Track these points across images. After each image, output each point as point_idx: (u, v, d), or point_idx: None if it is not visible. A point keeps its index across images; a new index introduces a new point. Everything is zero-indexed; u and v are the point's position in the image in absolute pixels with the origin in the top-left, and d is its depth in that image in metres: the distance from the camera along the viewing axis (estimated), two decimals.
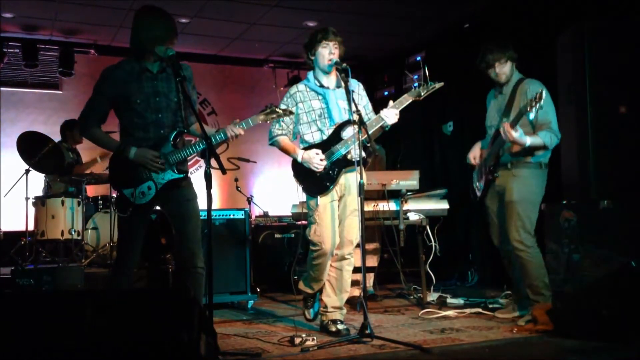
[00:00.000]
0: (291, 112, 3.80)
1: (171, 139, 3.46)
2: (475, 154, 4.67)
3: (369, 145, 3.87)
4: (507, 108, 4.38)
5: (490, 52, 4.42)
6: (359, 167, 3.76)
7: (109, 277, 5.05)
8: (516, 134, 4.06)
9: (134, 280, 3.53)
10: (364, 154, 3.88)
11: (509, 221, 4.32)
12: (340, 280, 4.09)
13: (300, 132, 4.12)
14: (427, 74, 4.05)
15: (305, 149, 4.05)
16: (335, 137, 4.02)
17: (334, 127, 4.03)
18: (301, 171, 4.06)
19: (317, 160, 3.95)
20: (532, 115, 3.99)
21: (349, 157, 4.01)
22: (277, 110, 3.59)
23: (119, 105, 3.47)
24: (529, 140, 4.12)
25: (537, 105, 3.90)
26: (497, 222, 4.54)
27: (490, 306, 4.80)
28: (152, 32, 3.36)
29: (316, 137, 4.07)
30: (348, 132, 4.01)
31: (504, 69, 4.42)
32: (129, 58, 3.48)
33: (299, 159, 4.01)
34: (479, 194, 4.64)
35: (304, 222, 4.75)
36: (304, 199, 4.14)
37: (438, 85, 4.05)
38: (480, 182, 4.60)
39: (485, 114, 4.70)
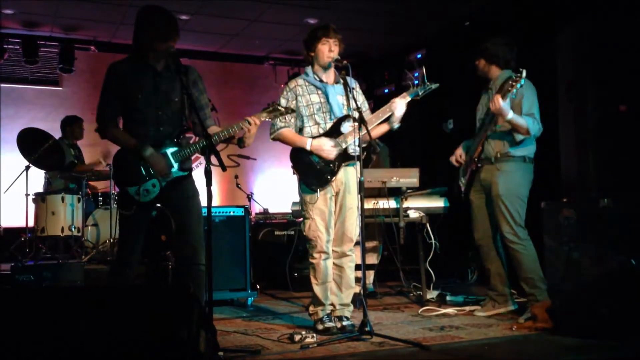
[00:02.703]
0: (293, 110, 3.84)
1: (175, 137, 3.46)
2: (460, 153, 4.70)
3: (373, 141, 3.91)
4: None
5: (487, 46, 4.52)
6: (359, 164, 3.78)
7: (109, 274, 5.06)
8: (503, 103, 4.12)
9: (133, 276, 3.53)
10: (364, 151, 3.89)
11: (498, 216, 4.35)
12: (342, 277, 4.10)
13: (298, 126, 4.12)
14: (425, 74, 4.10)
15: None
16: (335, 131, 4.03)
17: (334, 121, 4.04)
18: (301, 162, 4.05)
19: (328, 147, 3.96)
20: (513, 94, 4.10)
21: (349, 151, 4.03)
22: (280, 107, 3.60)
23: (121, 100, 3.48)
24: (511, 114, 4.17)
25: (519, 82, 4.01)
26: (479, 217, 4.58)
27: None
28: (153, 30, 3.37)
29: (314, 131, 4.07)
30: (347, 127, 4.03)
31: (479, 64, 4.54)
32: (134, 55, 3.49)
33: (308, 147, 4.00)
34: (463, 189, 4.67)
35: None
36: (300, 196, 4.14)
37: (434, 86, 4.14)
38: (465, 177, 4.63)
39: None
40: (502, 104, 4.11)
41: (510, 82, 4.05)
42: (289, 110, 3.68)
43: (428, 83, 4.11)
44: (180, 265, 3.58)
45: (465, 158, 4.65)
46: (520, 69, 4.02)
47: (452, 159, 4.75)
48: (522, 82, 4.04)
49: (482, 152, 4.45)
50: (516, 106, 4.26)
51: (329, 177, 4.00)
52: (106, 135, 3.52)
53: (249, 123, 3.43)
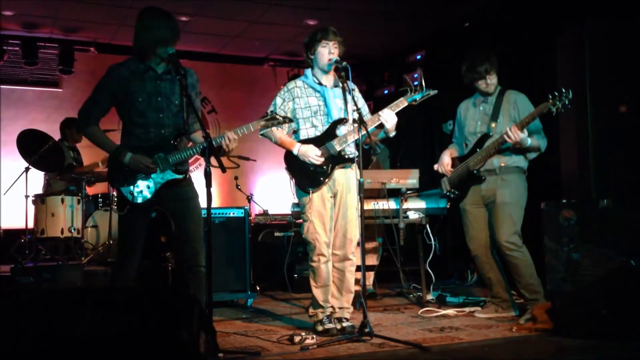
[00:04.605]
0: (291, 120, 3.86)
1: (172, 139, 3.46)
2: (447, 162, 4.67)
3: (373, 143, 3.91)
4: (494, 114, 4.45)
5: (481, 63, 4.45)
6: (357, 165, 3.78)
7: (110, 276, 5.05)
8: (523, 135, 4.16)
9: (133, 278, 3.53)
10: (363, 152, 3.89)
11: (500, 223, 4.35)
12: (343, 282, 4.09)
13: (294, 128, 4.13)
14: (424, 80, 4.10)
15: (301, 142, 4.06)
16: (330, 134, 4.03)
17: (330, 124, 4.04)
18: (294, 164, 4.06)
19: (313, 155, 3.96)
20: (554, 112, 4.06)
21: (344, 154, 4.03)
22: (278, 117, 3.63)
23: (121, 103, 3.48)
24: (529, 141, 4.23)
25: (564, 102, 3.97)
26: (476, 227, 4.54)
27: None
28: (154, 33, 3.37)
29: (310, 133, 4.08)
30: (343, 130, 4.03)
31: (493, 80, 4.48)
32: (134, 57, 3.49)
33: (295, 152, 4.01)
34: (453, 197, 4.65)
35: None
36: (297, 200, 4.15)
37: (432, 92, 4.11)
38: (457, 188, 4.60)
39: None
40: (522, 136, 4.15)
41: (554, 101, 4.01)
42: (286, 120, 3.71)
43: (426, 89, 4.10)
44: (181, 267, 3.59)
45: (459, 169, 4.61)
46: (564, 89, 3.99)
47: (439, 168, 4.71)
48: (567, 102, 3.99)
49: (483, 165, 4.45)
50: (511, 116, 4.30)
51: (322, 178, 4.00)
52: (85, 132, 3.55)
53: (229, 140, 3.43)
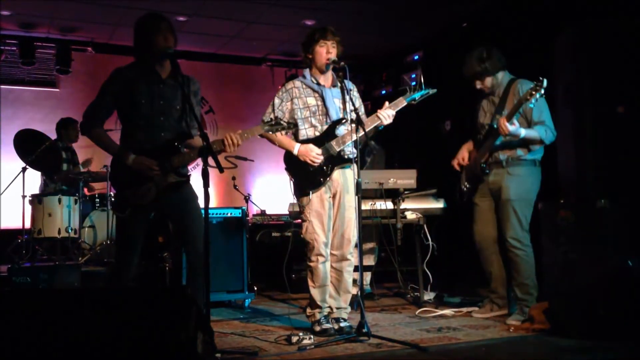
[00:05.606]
0: (295, 125, 3.87)
1: (174, 143, 3.47)
2: (463, 156, 4.66)
3: (370, 143, 3.90)
4: (500, 106, 4.41)
5: (471, 67, 4.43)
6: (355, 165, 3.78)
7: (108, 277, 5.04)
8: (512, 128, 4.09)
9: (131, 278, 3.54)
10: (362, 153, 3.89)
11: (506, 220, 4.33)
12: (341, 282, 4.09)
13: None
14: (423, 79, 4.08)
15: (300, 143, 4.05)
16: (330, 134, 4.03)
17: (329, 124, 4.04)
18: (294, 164, 4.06)
19: (313, 154, 3.96)
20: (532, 103, 4.00)
21: (344, 154, 4.03)
22: (282, 122, 3.64)
23: (124, 105, 3.50)
24: (523, 132, 4.16)
25: (539, 92, 3.91)
26: (482, 220, 4.54)
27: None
28: (152, 38, 3.39)
29: (309, 134, 4.07)
30: (342, 130, 4.03)
31: (485, 83, 4.45)
32: (139, 61, 3.52)
33: (295, 152, 4.01)
34: (465, 191, 4.64)
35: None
36: (296, 200, 4.14)
37: (432, 91, 4.10)
38: (469, 182, 4.60)
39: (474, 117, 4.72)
40: (511, 129, 4.08)
41: (530, 91, 3.96)
42: (291, 126, 3.72)
43: (426, 88, 4.08)
44: (179, 267, 3.60)
45: (470, 162, 4.62)
46: (541, 78, 3.93)
47: (455, 162, 4.70)
48: (542, 92, 3.93)
49: (490, 157, 4.44)
50: (527, 113, 4.25)
51: (321, 179, 4.00)
52: (91, 134, 3.55)
53: (232, 142, 3.44)
